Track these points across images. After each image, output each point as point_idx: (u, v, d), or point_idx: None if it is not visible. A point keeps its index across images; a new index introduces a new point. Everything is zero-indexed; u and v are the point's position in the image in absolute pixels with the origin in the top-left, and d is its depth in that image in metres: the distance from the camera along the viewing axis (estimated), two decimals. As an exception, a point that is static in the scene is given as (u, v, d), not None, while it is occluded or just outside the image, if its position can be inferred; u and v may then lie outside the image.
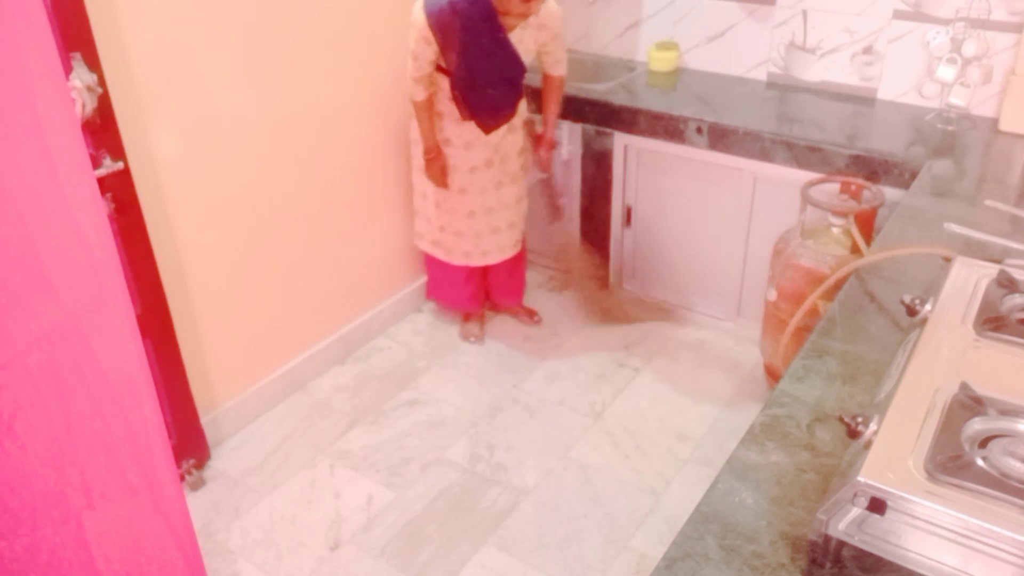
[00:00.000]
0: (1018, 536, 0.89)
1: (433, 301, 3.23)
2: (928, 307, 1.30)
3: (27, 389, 0.73)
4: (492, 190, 2.75)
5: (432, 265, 3.02)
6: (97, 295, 0.79)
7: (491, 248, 2.86)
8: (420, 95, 2.55)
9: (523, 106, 2.76)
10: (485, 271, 3.02)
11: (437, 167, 2.68)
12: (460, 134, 2.66)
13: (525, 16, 2.45)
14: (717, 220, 2.93)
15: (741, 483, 1.18)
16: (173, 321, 2.33)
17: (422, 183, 2.82)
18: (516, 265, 3.04)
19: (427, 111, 2.60)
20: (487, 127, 2.63)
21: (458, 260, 2.88)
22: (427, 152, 2.67)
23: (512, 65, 2.55)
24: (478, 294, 3.07)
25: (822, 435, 1.26)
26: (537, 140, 2.87)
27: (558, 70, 2.73)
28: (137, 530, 0.88)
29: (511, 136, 2.72)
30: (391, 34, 2.79)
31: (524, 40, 2.54)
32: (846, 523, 0.99)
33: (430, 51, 2.48)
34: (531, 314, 3.16)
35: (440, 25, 2.42)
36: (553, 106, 2.80)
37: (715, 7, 3.07)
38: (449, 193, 2.75)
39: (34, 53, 0.69)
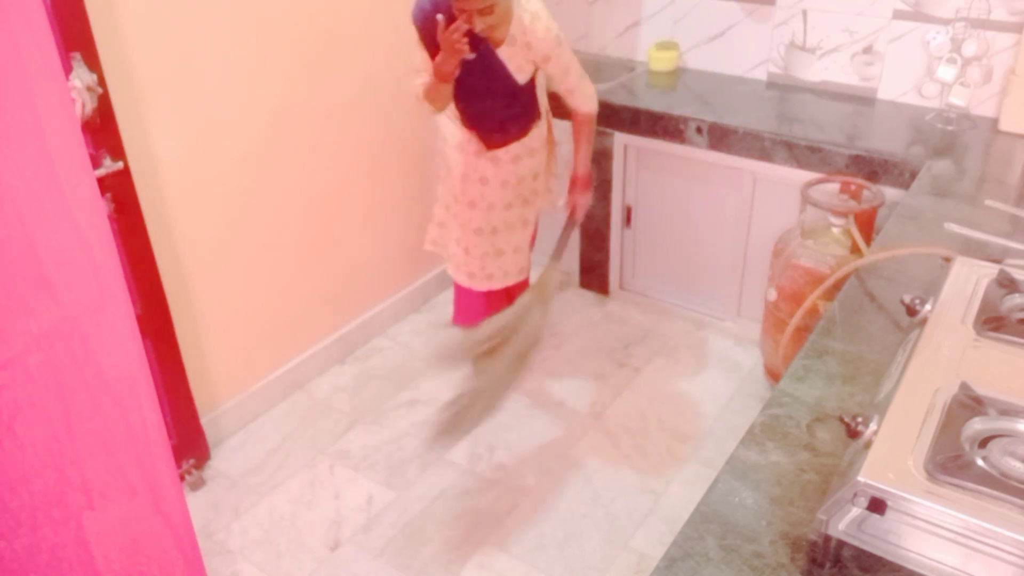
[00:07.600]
0: (1018, 536, 0.89)
1: (458, 327, 2.90)
2: (928, 307, 1.30)
3: (27, 389, 0.73)
4: (501, 209, 2.58)
5: (457, 290, 2.81)
6: (97, 295, 0.79)
7: (495, 272, 2.66)
8: (419, 89, 2.37)
9: (540, 131, 2.53)
10: (509, 299, 2.74)
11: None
12: (472, 139, 2.51)
13: (478, 28, 2.19)
14: (717, 220, 2.93)
15: (741, 483, 1.18)
16: (173, 321, 2.33)
17: (446, 195, 2.67)
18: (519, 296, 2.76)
19: (432, 92, 2.34)
20: (487, 141, 2.49)
21: (461, 280, 2.69)
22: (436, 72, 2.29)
23: (500, 79, 2.35)
24: None
25: (822, 435, 1.26)
26: (571, 182, 2.64)
27: (575, 102, 2.46)
28: (137, 530, 0.88)
29: (529, 160, 2.55)
30: (392, 34, 2.79)
31: (514, 57, 2.32)
32: (846, 523, 0.99)
33: (419, 53, 2.34)
34: None
35: (417, 24, 2.29)
36: (578, 144, 2.56)
37: (715, 7, 3.07)
38: (460, 205, 2.59)
39: (34, 53, 0.69)
